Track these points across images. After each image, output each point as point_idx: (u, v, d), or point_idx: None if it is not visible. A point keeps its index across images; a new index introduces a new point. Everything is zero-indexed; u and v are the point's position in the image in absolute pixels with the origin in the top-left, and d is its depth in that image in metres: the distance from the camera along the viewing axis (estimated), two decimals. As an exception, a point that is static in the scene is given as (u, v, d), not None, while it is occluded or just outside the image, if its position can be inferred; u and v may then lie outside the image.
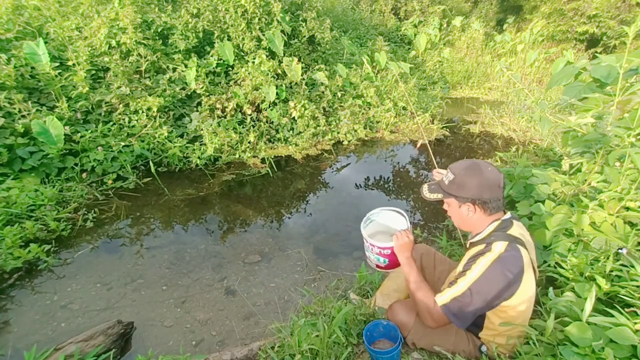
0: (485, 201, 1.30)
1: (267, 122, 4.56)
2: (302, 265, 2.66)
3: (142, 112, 3.87)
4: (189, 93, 4.31)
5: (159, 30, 4.37)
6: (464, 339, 1.47)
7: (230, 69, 4.62)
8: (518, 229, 1.32)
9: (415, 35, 8.20)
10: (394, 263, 1.59)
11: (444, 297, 1.27)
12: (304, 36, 5.04)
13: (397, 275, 1.95)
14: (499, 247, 1.24)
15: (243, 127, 4.38)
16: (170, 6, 4.58)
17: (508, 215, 1.35)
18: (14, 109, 3.20)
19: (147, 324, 2.14)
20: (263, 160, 4.22)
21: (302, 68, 4.89)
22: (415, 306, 1.39)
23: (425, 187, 1.46)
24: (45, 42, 3.74)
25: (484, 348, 1.43)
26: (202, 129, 4.02)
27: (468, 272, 1.25)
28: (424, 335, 1.51)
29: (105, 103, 3.78)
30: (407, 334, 1.53)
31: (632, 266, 1.42)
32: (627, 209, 1.74)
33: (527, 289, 1.26)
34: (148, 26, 4.33)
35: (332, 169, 4.28)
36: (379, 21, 8.67)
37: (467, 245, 1.48)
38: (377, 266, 1.68)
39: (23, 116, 3.24)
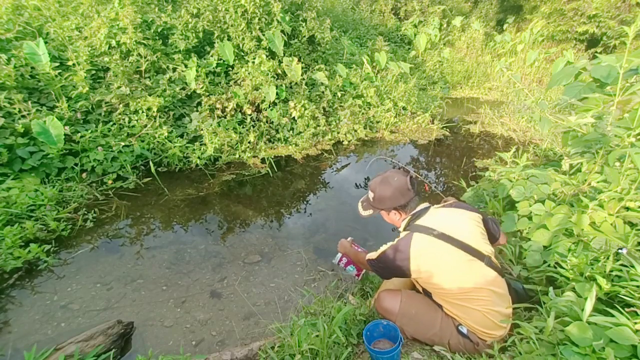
0: (403, 205, 1.61)
1: (267, 122, 4.56)
2: (302, 265, 2.66)
3: (142, 112, 3.86)
4: (189, 93, 4.30)
5: (159, 30, 4.37)
6: (449, 323, 1.53)
7: (230, 69, 4.62)
8: (429, 217, 1.56)
9: (415, 35, 8.20)
10: (358, 268, 2.11)
11: (371, 254, 1.67)
12: (304, 36, 5.03)
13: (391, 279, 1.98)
14: (402, 234, 1.57)
15: (243, 127, 4.38)
16: (170, 6, 4.57)
17: (422, 206, 1.63)
18: (14, 109, 3.20)
19: (147, 324, 2.14)
20: (263, 160, 4.22)
21: (302, 68, 4.89)
22: (361, 265, 1.97)
23: (359, 205, 1.80)
24: (45, 42, 3.74)
25: (462, 329, 1.49)
26: (202, 129, 4.02)
27: (382, 246, 1.60)
28: (410, 320, 1.59)
29: (105, 103, 3.78)
30: (394, 320, 1.60)
31: (632, 266, 1.42)
32: (627, 209, 1.74)
33: (430, 266, 1.45)
34: (148, 26, 4.33)
35: (332, 169, 4.28)
36: (379, 21, 8.67)
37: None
38: (356, 275, 2.16)
39: (23, 116, 3.24)
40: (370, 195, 1.69)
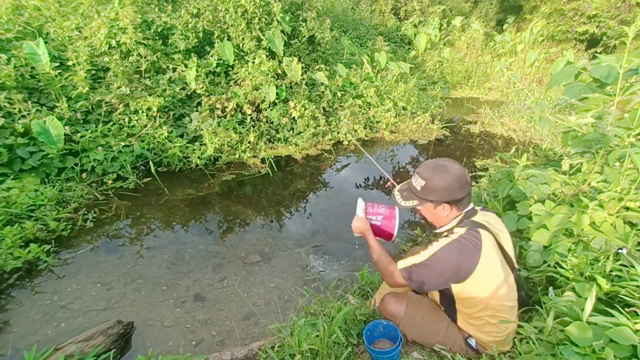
0: (458, 199, 1.38)
1: (267, 122, 4.56)
2: (302, 265, 2.66)
3: (142, 112, 3.86)
4: (189, 93, 4.30)
5: (159, 30, 4.37)
6: (454, 332, 1.49)
7: (230, 69, 4.62)
8: (482, 217, 1.42)
9: (415, 35, 8.20)
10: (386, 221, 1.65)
11: (405, 262, 1.41)
12: (304, 36, 5.03)
13: None
14: (460, 230, 1.36)
15: (243, 127, 4.38)
16: (170, 6, 4.57)
17: (471, 206, 1.45)
18: (14, 109, 3.20)
19: (147, 324, 2.14)
20: (263, 160, 4.22)
21: (302, 68, 4.89)
22: (379, 269, 1.51)
23: (397, 194, 1.50)
24: (45, 42, 3.74)
25: (471, 341, 1.45)
26: (202, 129, 4.02)
27: (429, 246, 1.38)
28: (414, 326, 1.54)
29: (105, 103, 3.78)
30: (398, 325, 1.56)
31: (632, 266, 1.42)
32: (627, 209, 1.74)
33: (489, 272, 1.31)
34: (148, 26, 4.33)
35: (332, 169, 4.28)
36: (379, 21, 8.67)
37: (432, 236, 1.62)
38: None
39: (23, 116, 3.24)
40: (419, 182, 1.39)
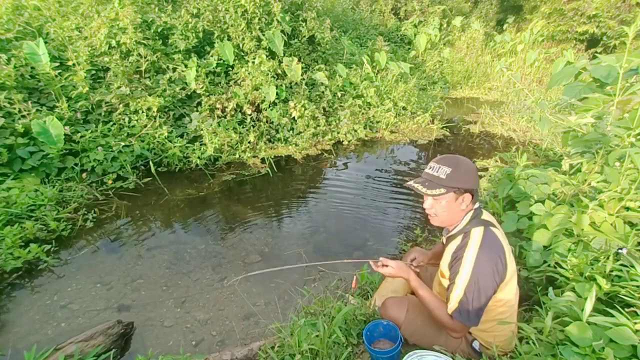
0: (476, 190, 1.34)
1: (267, 122, 4.56)
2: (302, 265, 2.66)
3: (142, 112, 3.86)
4: (189, 93, 4.31)
5: (159, 30, 4.37)
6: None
7: (230, 69, 4.62)
8: (487, 215, 1.41)
9: (415, 35, 8.20)
10: None
11: (450, 305, 1.31)
12: (304, 36, 5.04)
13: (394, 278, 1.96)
14: (477, 233, 1.30)
15: (243, 127, 4.38)
16: (170, 6, 4.57)
17: (477, 204, 1.40)
18: (14, 109, 3.20)
19: (147, 324, 2.14)
20: (263, 160, 4.22)
21: (302, 68, 4.89)
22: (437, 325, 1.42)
23: (417, 185, 1.37)
24: (45, 42, 3.74)
25: (475, 344, 1.44)
26: (202, 129, 4.02)
27: (461, 270, 1.28)
28: (415, 331, 1.53)
29: (105, 103, 3.78)
30: (399, 329, 1.55)
31: (632, 266, 1.42)
32: (627, 209, 1.74)
33: (513, 274, 1.32)
34: (148, 26, 4.33)
35: (332, 168, 4.27)
36: (379, 21, 8.68)
37: (444, 241, 1.52)
38: None
39: (23, 116, 3.24)
40: (444, 171, 1.31)
